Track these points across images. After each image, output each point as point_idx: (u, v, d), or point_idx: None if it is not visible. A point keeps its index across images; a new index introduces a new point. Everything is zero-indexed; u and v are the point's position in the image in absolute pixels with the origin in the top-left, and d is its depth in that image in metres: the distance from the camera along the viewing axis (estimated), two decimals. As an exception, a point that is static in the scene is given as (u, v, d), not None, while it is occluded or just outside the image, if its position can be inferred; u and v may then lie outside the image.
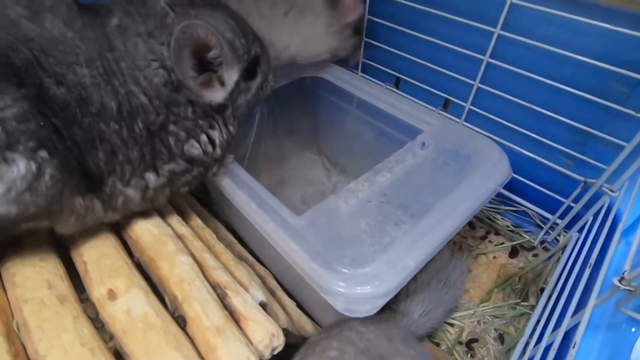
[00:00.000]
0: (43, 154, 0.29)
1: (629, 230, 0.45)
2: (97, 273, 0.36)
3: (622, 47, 0.46)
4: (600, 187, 0.51)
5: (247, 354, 0.31)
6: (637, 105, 0.46)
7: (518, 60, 0.54)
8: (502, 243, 0.65)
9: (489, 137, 0.56)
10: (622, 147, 0.47)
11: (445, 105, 0.68)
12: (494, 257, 0.64)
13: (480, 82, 0.59)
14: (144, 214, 0.41)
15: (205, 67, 0.35)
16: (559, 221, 0.60)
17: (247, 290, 0.37)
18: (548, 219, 0.61)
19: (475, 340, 0.54)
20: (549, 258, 0.61)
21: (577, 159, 0.54)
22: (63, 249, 0.39)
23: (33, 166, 0.28)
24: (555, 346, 0.37)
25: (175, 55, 0.33)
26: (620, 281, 0.30)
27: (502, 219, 0.68)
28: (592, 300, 0.34)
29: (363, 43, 0.71)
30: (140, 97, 0.34)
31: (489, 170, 0.47)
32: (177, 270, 0.36)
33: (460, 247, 0.65)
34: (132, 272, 0.36)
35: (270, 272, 0.50)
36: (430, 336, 0.54)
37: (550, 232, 0.63)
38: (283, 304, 0.45)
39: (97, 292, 0.34)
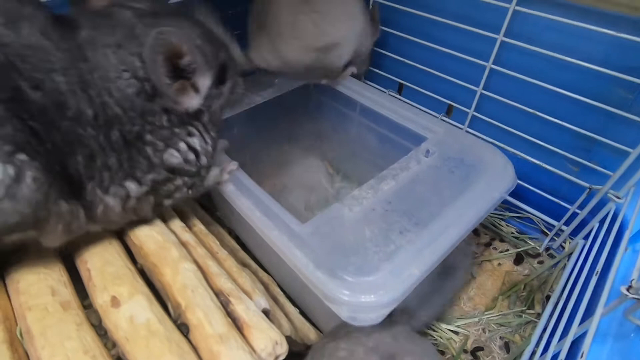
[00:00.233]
0: (22, 157, 0.28)
1: (636, 238, 0.44)
2: (101, 280, 0.35)
3: (625, 53, 0.46)
4: (605, 193, 0.51)
5: (250, 362, 0.30)
6: (642, 111, 0.46)
7: (521, 66, 0.54)
8: (507, 250, 0.65)
9: (492, 143, 0.56)
10: (627, 154, 0.47)
11: (449, 111, 0.68)
12: (499, 264, 0.63)
13: (483, 89, 0.59)
14: (148, 220, 0.41)
15: (179, 74, 0.36)
16: (564, 228, 0.60)
17: (250, 297, 0.37)
18: (553, 226, 0.61)
19: (481, 349, 0.53)
20: (555, 265, 0.61)
21: (582, 165, 0.54)
22: (67, 256, 0.39)
23: (10, 170, 0.28)
24: (563, 356, 0.37)
25: (151, 63, 0.33)
26: (628, 290, 0.30)
27: (507, 225, 0.68)
28: (599, 309, 0.34)
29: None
30: (115, 109, 0.34)
31: (494, 178, 0.47)
32: (180, 277, 0.36)
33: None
34: (135, 279, 0.36)
35: (273, 279, 0.50)
36: (435, 344, 0.53)
37: (556, 238, 0.62)
38: (286, 312, 0.45)
39: (100, 299, 0.34)
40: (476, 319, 0.56)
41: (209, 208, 0.68)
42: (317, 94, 0.69)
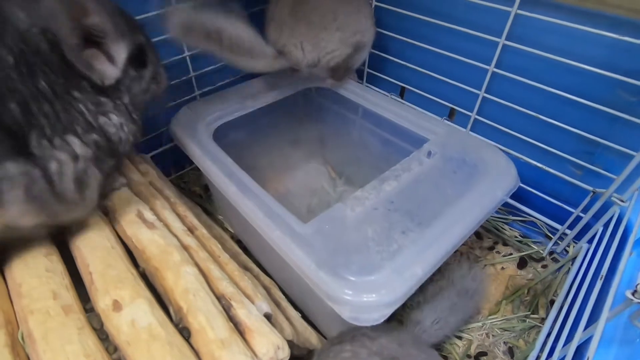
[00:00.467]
0: None
1: (641, 242, 0.44)
2: (103, 284, 0.35)
3: (628, 56, 0.46)
4: (609, 197, 0.50)
5: (251, 367, 0.30)
6: (645, 115, 0.46)
7: (524, 69, 0.54)
8: (510, 254, 0.64)
9: (495, 146, 0.56)
10: (631, 157, 0.46)
11: (451, 115, 0.68)
12: (502, 268, 0.63)
13: (485, 92, 0.59)
14: (150, 224, 0.41)
15: (90, 41, 0.35)
16: (568, 231, 0.59)
17: (252, 301, 0.37)
18: (557, 229, 0.61)
19: (484, 354, 0.53)
20: (559, 269, 0.60)
21: (586, 168, 0.54)
22: (69, 259, 0.39)
23: None
24: (568, 361, 0.36)
25: (52, 18, 0.32)
26: (633, 294, 0.29)
27: (510, 229, 0.67)
28: (604, 314, 0.33)
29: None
30: (34, 58, 0.33)
31: (496, 178, 0.47)
32: (182, 281, 0.36)
33: (468, 258, 0.64)
34: (137, 283, 0.36)
35: (275, 282, 0.50)
36: (439, 349, 0.53)
37: (560, 242, 0.62)
38: (288, 316, 0.44)
39: (102, 302, 0.34)
40: (479, 324, 0.56)
41: (211, 211, 0.69)
42: (319, 97, 0.69)
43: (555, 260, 0.63)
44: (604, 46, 0.47)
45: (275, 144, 0.70)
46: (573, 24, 0.47)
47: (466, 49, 0.59)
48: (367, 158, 0.69)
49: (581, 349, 0.36)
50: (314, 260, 0.37)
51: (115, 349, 0.33)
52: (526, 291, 0.59)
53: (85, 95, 0.36)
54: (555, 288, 0.58)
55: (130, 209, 0.43)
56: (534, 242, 0.65)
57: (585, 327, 0.37)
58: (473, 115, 0.62)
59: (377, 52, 0.71)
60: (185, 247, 0.41)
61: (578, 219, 0.57)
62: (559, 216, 0.59)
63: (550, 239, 0.63)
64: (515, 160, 0.51)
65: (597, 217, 0.53)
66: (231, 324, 0.34)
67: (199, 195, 0.73)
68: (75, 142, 0.35)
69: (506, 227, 0.68)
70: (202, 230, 0.47)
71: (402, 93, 0.75)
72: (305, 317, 0.47)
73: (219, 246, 0.45)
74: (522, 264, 0.63)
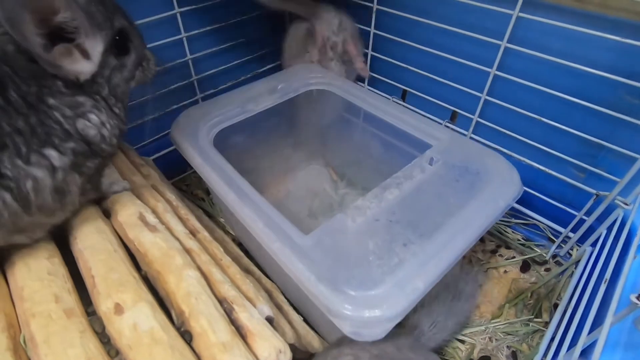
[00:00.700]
0: None
1: (645, 245, 0.43)
2: (105, 287, 0.35)
3: (631, 59, 0.46)
4: (613, 199, 0.50)
5: (253, 371, 0.30)
6: (648, 117, 0.46)
7: (526, 72, 0.54)
8: (513, 257, 0.64)
9: (497, 149, 0.56)
10: (635, 159, 0.46)
11: (453, 117, 0.68)
12: (505, 272, 0.63)
13: (487, 95, 0.59)
14: (152, 227, 0.41)
15: (60, 36, 0.32)
16: (571, 235, 0.59)
17: (254, 304, 0.37)
18: (560, 233, 0.60)
19: (487, 358, 0.52)
20: (562, 273, 0.60)
21: (589, 171, 0.54)
22: (71, 263, 0.39)
23: None
24: (572, 365, 0.36)
25: (10, 19, 0.28)
26: (638, 298, 0.29)
27: (513, 232, 0.67)
28: (609, 318, 0.33)
29: (369, 57, 0.72)
30: (2, 67, 0.31)
31: (499, 187, 0.46)
32: (184, 284, 0.36)
33: (470, 261, 0.64)
34: (139, 286, 0.36)
35: (277, 286, 0.50)
36: (441, 353, 0.53)
37: (563, 245, 0.61)
38: (290, 319, 0.44)
39: (104, 306, 0.34)
40: (482, 328, 0.55)
41: (212, 214, 0.69)
42: (320, 99, 0.70)
43: (558, 263, 0.63)
44: (606, 49, 0.47)
45: (277, 146, 0.70)
46: (575, 26, 0.47)
47: (468, 51, 0.59)
48: (369, 160, 0.69)
49: (585, 353, 0.36)
50: (314, 273, 0.37)
51: (117, 352, 0.33)
52: (529, 295, 0.59)
53: (60, 100, 0.34)
54: (559, 291, 0.58)
55: (133, 212, 0.43)
56: (537, 245, 0.65)
57: (589, 332, 0.36)
58: (475, 117, 0.62)
59: (379, 55, 0.72)
60: (187, 250, 0.41)
61: (581, 222, 0.56)
62: (562, 219, 0.59)
63: (554, 242, 0.62)
64: (518, 163, 0.51)
65: (600, 220, 0.53)
66: (233, 328, 0.34)
67: (201, 198, 0.73)
68: (53, 155, 0.33)
69: (509, 230, 0.67)
70: (204, 233, 0.47)
71: (403, 96, 0.75)
72: (307, 321, 0.47)
73: (221, 249, 0.45)
74: (525, 267, 0.63)
